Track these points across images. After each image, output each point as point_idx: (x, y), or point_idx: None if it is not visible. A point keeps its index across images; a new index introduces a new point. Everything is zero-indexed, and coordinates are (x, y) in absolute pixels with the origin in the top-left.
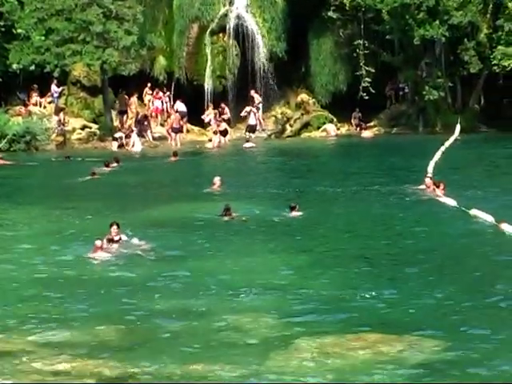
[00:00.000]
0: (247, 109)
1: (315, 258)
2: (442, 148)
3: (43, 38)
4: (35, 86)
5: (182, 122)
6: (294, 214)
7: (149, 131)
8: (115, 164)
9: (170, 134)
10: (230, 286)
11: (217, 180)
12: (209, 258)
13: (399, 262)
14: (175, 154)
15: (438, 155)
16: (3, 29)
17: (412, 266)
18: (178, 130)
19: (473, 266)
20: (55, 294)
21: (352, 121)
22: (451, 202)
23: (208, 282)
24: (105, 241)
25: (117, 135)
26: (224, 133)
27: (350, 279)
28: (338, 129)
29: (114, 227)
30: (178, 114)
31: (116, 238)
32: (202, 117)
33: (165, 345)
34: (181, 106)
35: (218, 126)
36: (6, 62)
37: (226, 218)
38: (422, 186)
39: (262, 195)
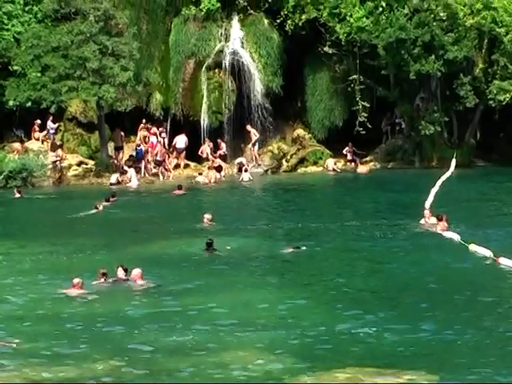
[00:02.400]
0: (238, 161)
1: (312, 294)
2: (439, 182)
3: (39, 74)
4: (38, 121)
5: (180, 158)
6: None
7: (149, 166)
8: (112, 199)
9: (166, 169)
10: (226, 321)
11: (206, 216)
12: (202, 294)
13: (396, 297)
14: (180, 187)
15: (434, 190)
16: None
17: (409, 302)
18: (160, 163)
19: (471, 301)
20: (52, 331)
21: (347, 155)
22: (451, 235)
23: (203, 317)
24: (101, 278)
25: (113, 178)
26: (219, 169)
27: (346, 315)
28: (335, 163)
29: (120, 269)
30: (162, 147)
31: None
32: (200, 153)
33: (165, 380)
34: (179, 142)
35: (213, 161)
36: (1, 99)
37: (208, 253)
38: (422, 221)
39: (257, 230)
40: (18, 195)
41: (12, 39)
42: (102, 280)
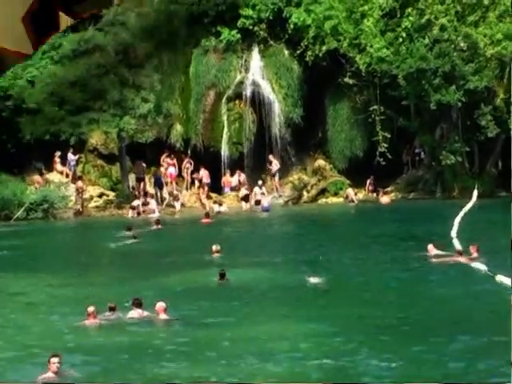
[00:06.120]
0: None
1: (333, 326)
2: (461, 213)
3: (57, 108)
4: (58, 153)
5: (206, 191)
6: (313, 280)
7: (177, 200)
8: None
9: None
10: (247, 353)
11: (214, 247)
12: (221, 326)
13: (417, 330)
14: (207, 215)
15: (458, 220)
16: (12, 107)
17: (432, 335)
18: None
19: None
20: (75, 363)
21: (368, 186)
22: (477, 266)
23: (225, 350)
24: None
25: (134, 203)
26: (245, 198)
27: (365, 348)
28: (356, 194)
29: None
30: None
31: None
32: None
33: None
34: (206, 176)
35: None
36: (17, 135)
37: (221, 282)
38: (446, 252)
39: (269, 261)
40: None
41: (26, 83)
42: (110, 314)
